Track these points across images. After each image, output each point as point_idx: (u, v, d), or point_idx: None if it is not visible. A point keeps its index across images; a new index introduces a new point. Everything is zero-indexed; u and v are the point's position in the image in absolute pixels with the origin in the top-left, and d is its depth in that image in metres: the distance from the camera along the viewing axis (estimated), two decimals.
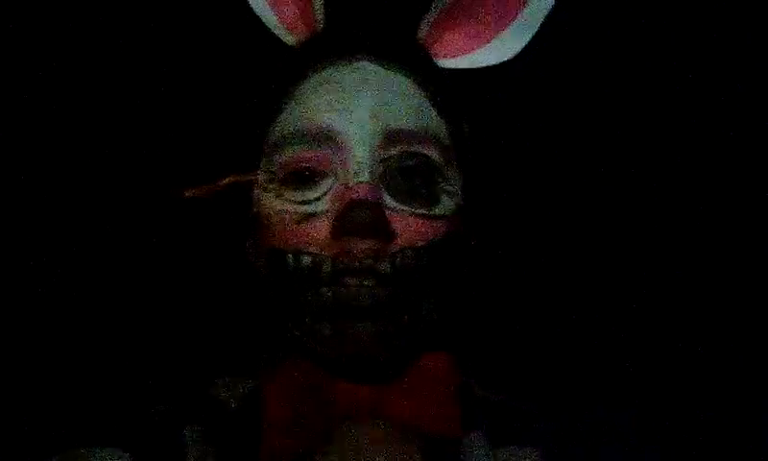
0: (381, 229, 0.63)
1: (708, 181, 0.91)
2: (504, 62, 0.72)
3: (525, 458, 0.67)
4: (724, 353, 0.88)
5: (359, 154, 0.65)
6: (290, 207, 0.66)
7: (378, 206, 0.63)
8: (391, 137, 0.65)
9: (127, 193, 0.86)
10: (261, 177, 0.69)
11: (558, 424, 0.69)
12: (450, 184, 0.67)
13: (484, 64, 0.73)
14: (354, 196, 0.63)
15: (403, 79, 0.68)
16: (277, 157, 0.67)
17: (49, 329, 0.86)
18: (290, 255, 0.65)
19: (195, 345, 0.85)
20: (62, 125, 0.87)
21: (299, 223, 0.65)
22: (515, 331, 0.87)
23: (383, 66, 0.68)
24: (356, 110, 0.65)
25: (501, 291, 0.85)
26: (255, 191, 0.69)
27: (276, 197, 0.67)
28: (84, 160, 0.87)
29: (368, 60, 0.68)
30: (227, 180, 0.68)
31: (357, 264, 0.63)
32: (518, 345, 0.86)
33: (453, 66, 0.72)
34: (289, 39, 0.72)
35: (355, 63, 0.68)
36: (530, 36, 0.72)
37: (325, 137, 0.65)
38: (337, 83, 0.67)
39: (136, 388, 0.80)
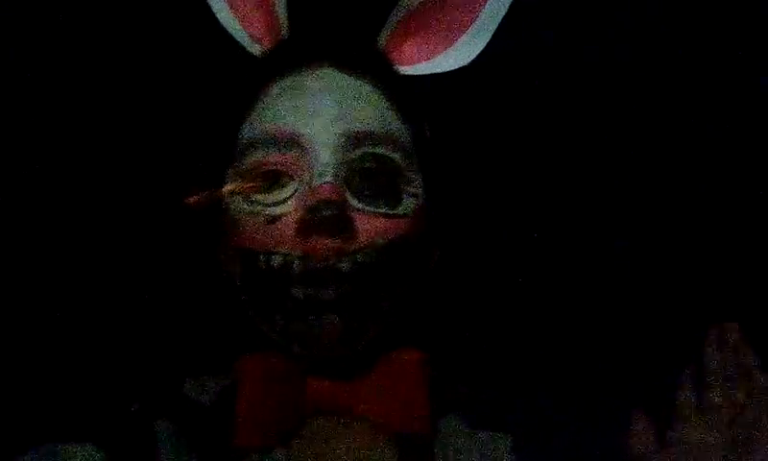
0: (343, 226, 0.65)
1: (675, 183, 0.94)
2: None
3: (498, 443, 0.69)
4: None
5: (323, 156, 0.67)
6: (258, 210, 0.68)
7: (341, 205, 0.65)
8: (354, 140, 0.68)
9: (100, 193, 0.87)
10: (230, 181, 0.71)
11: (527, 412, 0.72)
12: (412, 186, 0.70)
13: (442, 70, 0.75)
14: (318, 196, 0.65)
15: (365, 85, 0.70)
16: (245, 160, 0.69)
17: (22, 327, 0.87)
18: (261, 256, 0.67)
19: (169, 343, 0.86)
20: (31, 124, 0.88)
21: (267, 224, 0.67)
22: (480, 326, 0.89)
23: (346, 73, 0.70)
24: (320, 114, 0.68)
25: (466, 287, 0.87)
26: (225, 195, 0.72)
27: (245, 200, 0.69)
28: (57, 161, 0.88)
29: (331, 68, 0.70)
30: (231, 187, 0.70)
31: (318, 265, 0.65)
32: (484, 338, 0.89)
33: (413, 73, 0.75)
34: (255, 49, 0.75)
35: (319, 70, 0.70)
36: (485, 41, 0.75)
37: (290, 141, 0.67)
38: (301, 88, 0.69)
39: (110, 385, 0.81)
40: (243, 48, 0.75)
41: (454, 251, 0.77)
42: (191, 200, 0.69)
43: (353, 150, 0.68)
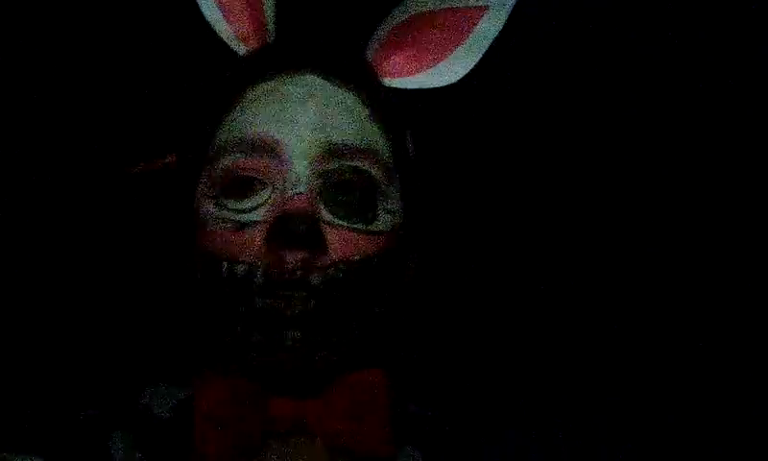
0: (314, 240, 0.63)
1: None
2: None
3: None
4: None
5: (298, 165, 0.65)
6: (227, 215, 0.66)
7: (312, 218, 0.63)
8: (332, 151, 0.66)
9: (62, 192, 0.85)
10: (202, 183, 0.69)
11: (490, 440, 0.70)
12: (390, 202, 0.68)
13: (429, 86, 0.74)
14: (289, 207, 0.63)
15: (348, 95, 0.69)
16: (218, 163, 0.67)
17: None
18: (225, 263, 0.65)
19: (127, 350, 0.84)
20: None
21: (235, 232, 0.65)
22: (447, 348, 0.88)
23: (329, 81, 0.68)
24: (298, 122, 0.66)
25: (436, 308, 0.86)
26: (197, 198, 0.70)
27: (215, 205, 0.67)
28: (24, 162, 0.86)
29: (314, 74, 0.68)
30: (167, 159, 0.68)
31: (287, 276, 0.63)
32: (450, 361, 0.87)
33: (399, 86, 0.73)
34: (239, 49, 0.73)
35: (301, 76, 0.68)
36: (475, 61, 0.73)
37: (266, 147, 0.66)
38: (282, 94, 0.68)
39: (62, 391, 0.79)
40: (226, 47, 0.73)
41: (428, 270, 0.75)
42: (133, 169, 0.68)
43: (331, 161, 0.66)
